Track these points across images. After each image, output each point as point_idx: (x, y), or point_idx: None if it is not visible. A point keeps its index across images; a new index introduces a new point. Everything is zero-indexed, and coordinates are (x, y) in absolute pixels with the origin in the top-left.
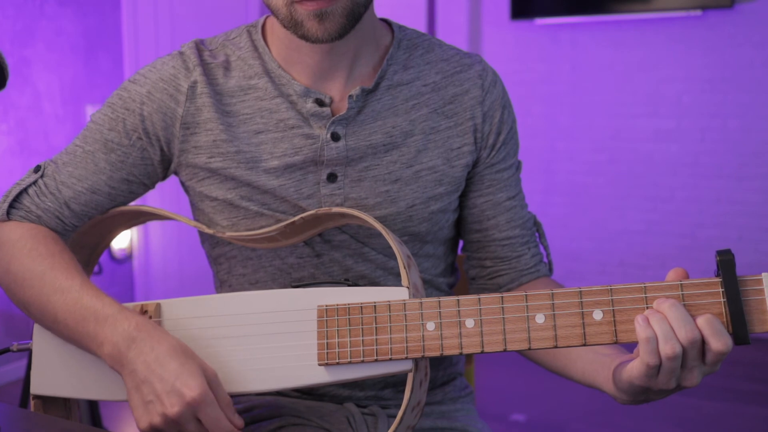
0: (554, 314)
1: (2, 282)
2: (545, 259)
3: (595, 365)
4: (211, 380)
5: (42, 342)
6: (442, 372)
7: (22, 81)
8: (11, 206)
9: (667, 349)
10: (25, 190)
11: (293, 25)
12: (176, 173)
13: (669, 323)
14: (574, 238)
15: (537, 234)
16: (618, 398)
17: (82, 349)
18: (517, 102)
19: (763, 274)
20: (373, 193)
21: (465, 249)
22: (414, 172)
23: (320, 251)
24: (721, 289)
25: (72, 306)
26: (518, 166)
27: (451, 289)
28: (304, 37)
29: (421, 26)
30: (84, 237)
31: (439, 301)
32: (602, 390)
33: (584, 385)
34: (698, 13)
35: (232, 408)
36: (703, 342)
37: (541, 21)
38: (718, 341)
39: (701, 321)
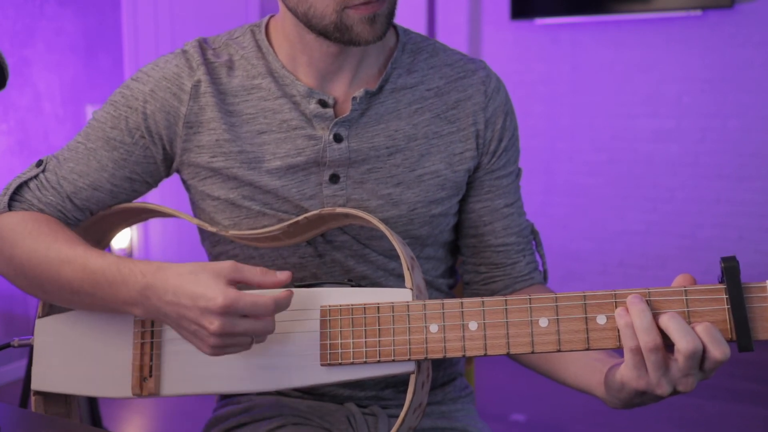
0: (558, 318)
1: (10, 270)
2: (540, 268)
3: (587, 370)
4: (230, 275)
5: (43, 338)
6: (442, 372)
7: (22, 81)
8: (12, 199)
9: (648, 340)
10: (26, 184)
11: (339, 30)
12: (178, 172)
13: (631, 319)
14: (574, 238)
15: (534, 242)
16: (609, 402)
17: (110, 312)
18: (517, 102)
19: (767, 281)
20: (375, 195)
21: (461, 253)
22: (416, 176)
23: (322, 251)
24: (725, 296)
25: (81, 273)
26: (518, 173)
27: (451, 290)
28: (350, 41)
29: (421, 26)
30: (85, 234)
31: (443, 304)
32: (594, 394)
33: (576, 390)
34: (698, 13)
35: (266, 274)
36: (703, 350)
37: (541, 21)
38: (717, 349)
39: (700, 329)
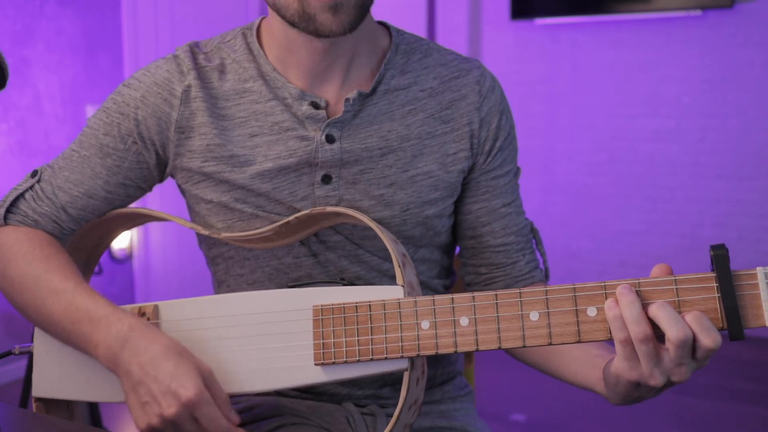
0: (548, 312)
1: (1, 286)
2: (541, 266)
3: (587, 366)
4: (206, 378)
5: (43, 345)
6: (441, 371)
7: (22, 81)
8: (8, 211)
9: (638, 331)
10: (22, 195)
11: (304, 20)
12: (172, 176)
13: (620, 311)
14: (574, 238)
15: (534, 241)
16: (610, 398)
17: (80, 351)
18: (517, 102)
19: (757, 268)
20: (367, 196)
21: (461, 255)
22: (409, 177)
23: (316, 251)
24: (715, 284)
25: (66, 308)
26: (516, 172)
27: (447, 291)
28: (316, 32)
29: (421, 26)
30: (82, 239)
31: (434, 300)
32: (594, 391)
33: (576, 387)
34: (698, 13)
35: (228, 405)
36: (693, 339)
37: (541, 21)
38: (707, 337)
39: (689, 318)
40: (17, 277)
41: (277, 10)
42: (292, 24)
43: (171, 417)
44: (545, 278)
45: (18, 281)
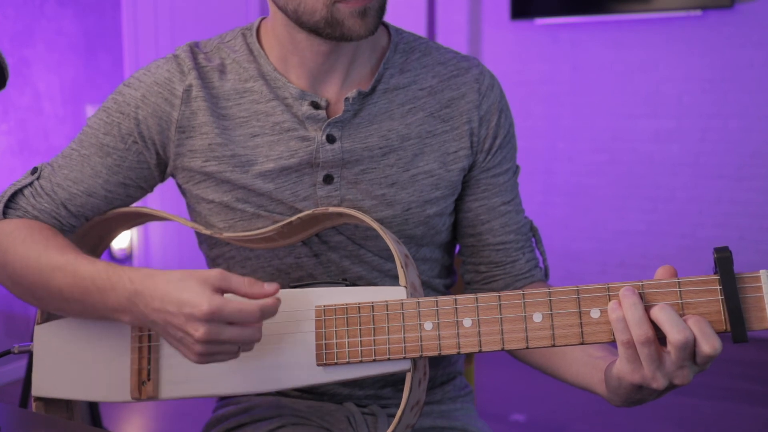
0: (552, 313)
1: (4, 277)
2: (541, 264)
3: (589, 368)
4: (216, 282)
5: (43, 344)
6: (441, 371)
7: (22, 81)
8: (7, 206)
9: (639, 333)
10: (20, 191)
11: (330, 25)
12: (173, 176)
13: (623, 313)
14: (575, 238)
15: (534, 239)
16: (611, 400)
17: (100, 320)
18: (518, 102)
19: (761, 271)
20: (369, 195)
21: (461, 253)
22: (410, 176)
23: (318, 252)
24: (718, 287)
25: (72, 280)
26: (515, 170)
27: (448, 290)
28: (342, 36)
29: (421, 26)
30: (82, 239)
31: (437, 301)
32: (595, 392)
33: (578, 388)
34: (698, 13)
35: (252, 285)
36: (694, 342)
37: (541, 21)
38: (706, 343)
39: (691, 321)
40: (19, 261)
41: (297, 17)
42: (314, 30)
43: (205, 337)
44: (545, 277)
45: (20, 265)
